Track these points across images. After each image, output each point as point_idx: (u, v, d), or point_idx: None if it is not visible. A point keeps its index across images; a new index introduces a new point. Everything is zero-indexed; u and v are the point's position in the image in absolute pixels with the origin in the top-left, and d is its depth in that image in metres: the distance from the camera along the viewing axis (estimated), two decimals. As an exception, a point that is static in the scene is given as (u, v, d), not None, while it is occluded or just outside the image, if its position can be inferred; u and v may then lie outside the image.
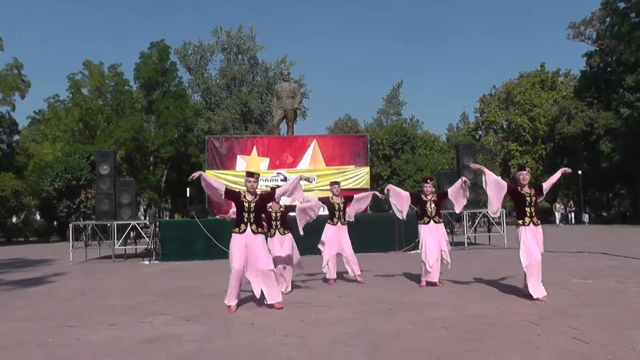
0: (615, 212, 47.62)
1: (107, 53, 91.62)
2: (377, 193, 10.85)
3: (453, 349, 4.86)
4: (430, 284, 8.88)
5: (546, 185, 7.73)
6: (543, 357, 4.50)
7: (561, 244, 16.00)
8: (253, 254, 7.06)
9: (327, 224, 9.86)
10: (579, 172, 40.29)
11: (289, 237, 8.80)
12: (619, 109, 36.15)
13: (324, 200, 9.83)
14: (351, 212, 10.08)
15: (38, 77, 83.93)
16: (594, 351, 4.61)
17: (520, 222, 7.46)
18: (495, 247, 17.18)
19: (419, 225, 9.20)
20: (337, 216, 9.79)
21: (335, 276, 9.80)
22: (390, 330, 5.70)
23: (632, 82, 34.93)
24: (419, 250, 9.34)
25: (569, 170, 7.92)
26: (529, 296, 7.20)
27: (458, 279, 9.50)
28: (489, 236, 18.45)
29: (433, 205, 9.12)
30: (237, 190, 7.61)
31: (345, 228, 9.86)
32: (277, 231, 8.74)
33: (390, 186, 9.66)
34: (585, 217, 40.42)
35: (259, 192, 7.43)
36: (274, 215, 8.75)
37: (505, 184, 7.62)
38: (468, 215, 17.80)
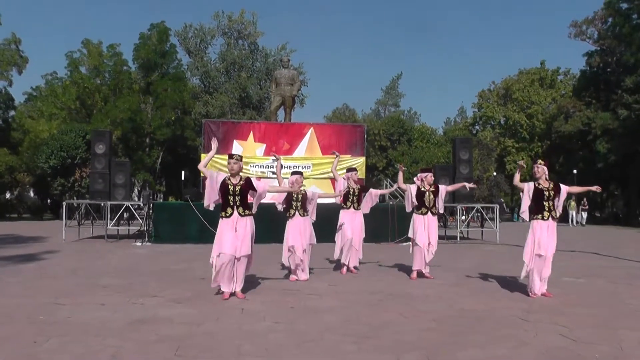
0: (609, 212, 47.77)
1: (107, 32, 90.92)
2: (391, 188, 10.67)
3: (441, 341, 4.90)
4: (420, 275, 8.94)
5: (568, 188, 7.63)
6: (530, 353, 4.53)
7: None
8: (238, 238, 6.93)
9: (341, 209, 9.88)
10: (574, 171, 40.38)
11: (308, 220, 8.80)
12: (617, 110, 36.16)
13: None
14: (366, 206, 10.10)
15: (36, 53, 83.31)
16: (581, 349, 4.64)
17: (539, 216, 7.30)
18: (487, 242, 17.25)
19: (414, 214, 9.22)
20: (350, 200, 9.80)
21: (348, 266, 9.70)
22: (380, 320, 5.73)
23: (631, 83, 34.92)
24: (409, 242, 9.36)
25: (598, 189, 7.71)
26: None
27: (449, 273, 9.55)
28: (482, 231, 18.52)
29: (432, 197, 9.13)
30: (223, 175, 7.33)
31: (359, 214, 9.88)
32: (297, 212, 8.69)
33: (401, 168, 9.82)
34: (578, 217, 40.55)
35: (243, 175, 7.32)
36: (294, 196, 8.69)
37: (530, 192, 7.43)
38: (462, 209, 17.85)
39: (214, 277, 6.98)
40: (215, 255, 6.94)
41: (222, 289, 6.96)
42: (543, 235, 7.23)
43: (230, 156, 7.24)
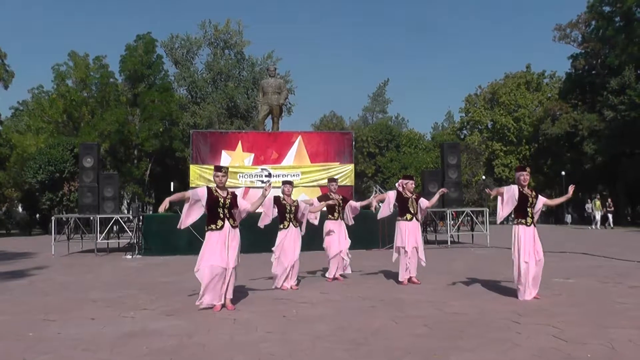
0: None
1: (93, 45, 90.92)
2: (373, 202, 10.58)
3: (434, 346, 4.89)
4: (410, 280, 8.94)
5: (546, 200, 7.78)
6: (522, 355, 4.54)
7: (544, 244, 16.16)
8: (229, 250, 6.84)
9: (327, 220, 9.88)
10: (563, 173, 40.62)
11: (299, 231, 8.86)
12: (602, 112, 36.52)
13: (323, 198, 9.97)
14: (350, 217, 10.12)
15: (22, 67, 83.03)
16: (573, 349, 4.66)
17: (523, 221, 7.38)
18: (478, 245, 17.29)
19: (399, 221, 9.21)
20: (337, 211, 9.87)
21: (335, 275, 9.71)
22: (372, 327, 5.72)
23: (616, 85, 35.29)
24: (394, 250, 9.34)
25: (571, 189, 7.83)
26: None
27: (440, 277, 9.56)
28: (472, 235, 18.57)
29: (415, 204, 9.16)
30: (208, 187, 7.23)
31: (344, 223, 9.95)
32: (290, 224, 8.75)
33: (376, 199, 9.82)
34: (568, 218, 40.79)
35: (228, 188, 7.24)
36: (288, 208, 8.76)
37: (516, 197, 7.45)
38: (451, 213, 17.89)
39: (202, 292, 6.83)
40: (203, 267, 6.79)
41: (213, 303, 6.85)
42: (528, 242, 7.31)
43: (220, 169, 7.18)
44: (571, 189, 7.84)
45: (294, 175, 17.55)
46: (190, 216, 7.02)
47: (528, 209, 7.40)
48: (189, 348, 4.97)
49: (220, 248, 6.82)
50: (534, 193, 7.52)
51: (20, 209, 46.51)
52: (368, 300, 7.41)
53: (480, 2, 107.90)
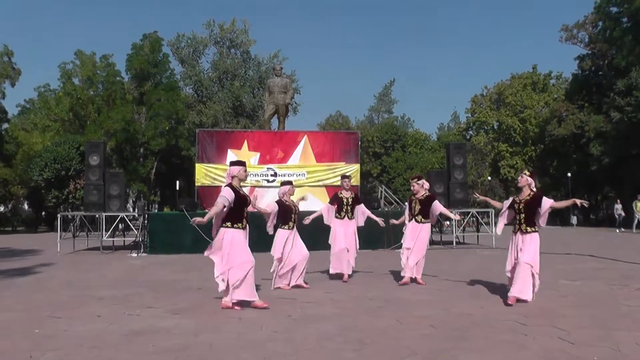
0: (604, 215, 47.86)
1: (99, 43, 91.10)
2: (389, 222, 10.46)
3: (439, 346, 4.88)
4: (412, 280, 8.93)
5: (552, 203, 7.33)
6: (529, 357, 4.53)
7: (550, 246, 16.10)
8: (243, 249, 6.80)
9: (334, 219, 9.85)
10: (569, 174, 40.47)
11: (296, 231, 8.84)
12: (609, 113, 36.35)
13: (335, 199, 9.95)
14: (360, 219, 10.03)
15: (29, 65, 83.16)
16: (580, 351, 4.64)
17: (513, 228, 7.52)
18: (483, 246, 17.25)
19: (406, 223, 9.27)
20: (344, 210, 9.80)
21: (342, 271, 9.66)
22: (377, 327, 5.71)
23: (622, 86, 35.14)
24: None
25: (582, 202, 7.58)
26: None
27: (446, 278, 9.55)
28: (478, 236, 18.53)
29: (418, 205, 9.12)
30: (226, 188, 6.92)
31: (352, 223, 9.87)
32: (295, 225, 8.70)
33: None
34: (574, 220, 40.63)
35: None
36: (294, 209, 8.70)
37: (510, 201, 7.65)
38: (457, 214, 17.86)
39: (232, 290, 6.67)
40: (235, 267, 6.62)
41: (248, 298, 6.75)
42: (513, 248, 7.42)
43: (243, 163, 7.10)
44: (580, 202, 7.53)
45: (299, 174, 17.57)
46: (219, 221, 6.82)
47: (516, 216, 7.43)
48: (195, 347, 4.98)
49: (246, 247, 6.77)
50: (526, 198, 7.32)
51: (26, 207, 46.69)
52: (374, 300, 7.40)
53: (487, 2, 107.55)
